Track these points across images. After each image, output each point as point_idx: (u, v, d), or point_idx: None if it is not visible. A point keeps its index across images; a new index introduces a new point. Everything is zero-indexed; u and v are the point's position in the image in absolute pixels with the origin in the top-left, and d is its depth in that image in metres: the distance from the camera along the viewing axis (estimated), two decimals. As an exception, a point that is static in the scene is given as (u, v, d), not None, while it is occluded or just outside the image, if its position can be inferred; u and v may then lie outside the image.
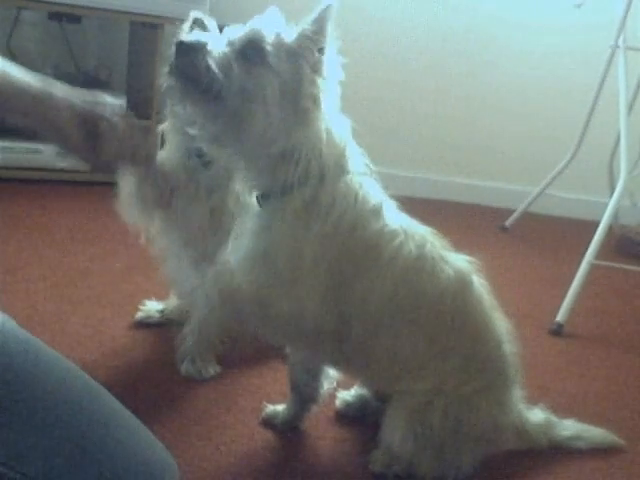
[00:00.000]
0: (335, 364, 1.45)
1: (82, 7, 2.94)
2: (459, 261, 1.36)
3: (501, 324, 1.39)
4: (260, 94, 1.22)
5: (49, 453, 0.91)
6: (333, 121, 1.30)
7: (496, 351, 1.37)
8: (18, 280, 2.02)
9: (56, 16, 3.16)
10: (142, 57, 3.21)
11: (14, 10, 3.16)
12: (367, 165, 1.34)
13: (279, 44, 1.24)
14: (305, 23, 1.25)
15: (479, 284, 1.37)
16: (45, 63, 3.27)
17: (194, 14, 1.57)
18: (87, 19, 3.25)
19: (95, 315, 1.87)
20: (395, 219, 1.32)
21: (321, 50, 1.25)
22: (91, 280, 2.10)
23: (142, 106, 3.11)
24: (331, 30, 1.25)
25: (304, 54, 1.24)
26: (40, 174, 2.93)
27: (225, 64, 1.22)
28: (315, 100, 1.26)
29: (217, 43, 1.24)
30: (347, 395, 1.60)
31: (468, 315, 1.35)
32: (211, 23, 1.58)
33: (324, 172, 1.28)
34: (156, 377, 1.64)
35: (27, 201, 2.71)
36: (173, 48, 1.22)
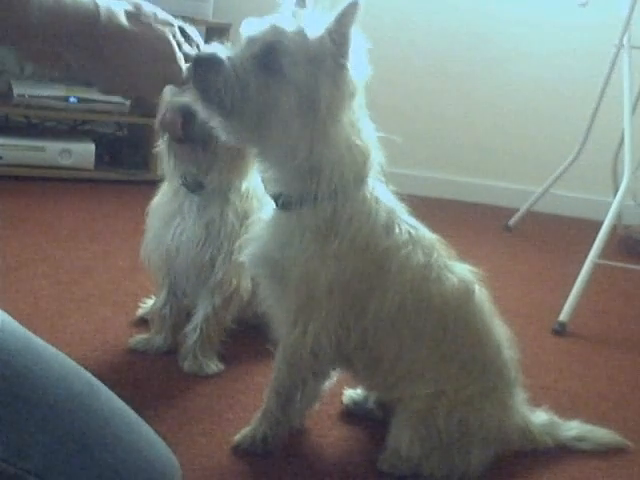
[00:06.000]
0: (341, 368, 1.46)
1: (86, 5, 2.94)
2: (463, 270, 1.38)
3: (501, 330, 1.41)
4: (276, 107, 1.18)
5: (49, 449, 0.91)
6: (358, 128, 1.25)
7: (496, 356, 1.39)
8: (21, 278, 2.02)
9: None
10: (146, 55, 3.20)
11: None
12: (383, 172, 1.32)
13: (300, 47, 1.17)
14: (329, 21, 1.17)
15: (480, 293, 1.39)
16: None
17: None
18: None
19: (98, 313, 1.87)
20: (405, 228, 1.32)
21: (344, 55, 1.18)
22: (94, 278, 2.10)
23: (146, 104, 3.10)
24: (355, 31, 1.16)
25: (325, 60, 1.17)
26: (44, 172, 2.93)
27: (242, 79, 1.17)
28: (335, 113, 1.20)
29: (237, 50, 1.20)
30: (354, 393, 1.59)
31: (469, 322, 1.37)
32: None
33: (345, 187, 1.27)
34: (158, 374, 1.64)
35: (30, 199, 2.71)
36: (191, 61, 1.17)
